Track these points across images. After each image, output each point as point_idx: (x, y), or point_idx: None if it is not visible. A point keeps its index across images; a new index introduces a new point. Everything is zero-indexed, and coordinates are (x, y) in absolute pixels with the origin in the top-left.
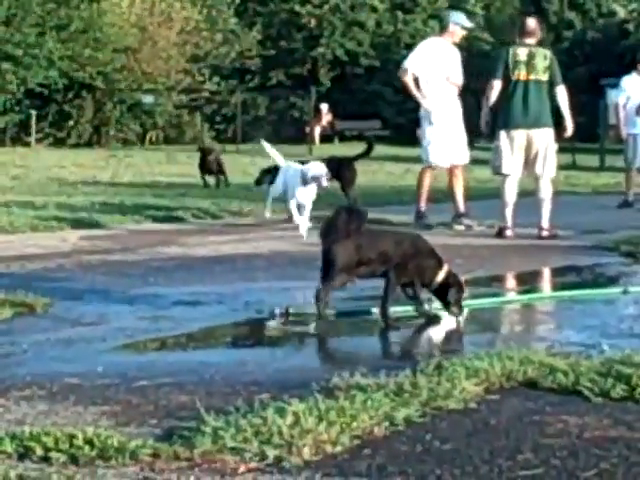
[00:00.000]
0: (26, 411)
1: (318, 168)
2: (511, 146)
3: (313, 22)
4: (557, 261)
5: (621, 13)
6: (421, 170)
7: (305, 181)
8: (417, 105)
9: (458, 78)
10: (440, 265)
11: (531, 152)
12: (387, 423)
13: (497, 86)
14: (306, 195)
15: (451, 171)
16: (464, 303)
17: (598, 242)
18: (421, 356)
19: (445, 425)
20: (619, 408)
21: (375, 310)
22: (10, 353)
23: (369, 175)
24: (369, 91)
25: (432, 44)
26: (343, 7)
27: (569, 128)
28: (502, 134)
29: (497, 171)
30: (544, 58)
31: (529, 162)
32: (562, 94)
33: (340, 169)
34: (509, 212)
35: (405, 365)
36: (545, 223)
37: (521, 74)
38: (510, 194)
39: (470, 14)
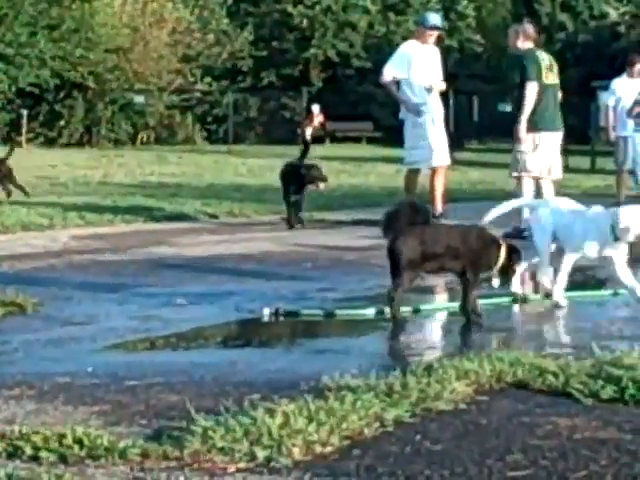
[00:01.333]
0: (15, 410)
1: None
2: (540, 148)
3: (305, 23)
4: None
5: (613, 15)
6: (406, 173)
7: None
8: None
9: (440, 81)
10: (499, 248)
11: (552, 154)
12: (377, 424)
13: (535, 89)
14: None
15: (433, 172)
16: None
17: None
18: (411, 357)
19: (435, 426)
20: (609, 409)
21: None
22: (0, 352)
23: (361, 176)
24: (361, 92)
25: (410, 47)
26: (335, 8)
27: None
28: (539, 136)
29: (525, 173)
30: (555, 62)
31: (547, 163)
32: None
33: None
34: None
35: (395, 366)
36: None
37: (549, 78)
38: (530, 194)
39: (462, 16)
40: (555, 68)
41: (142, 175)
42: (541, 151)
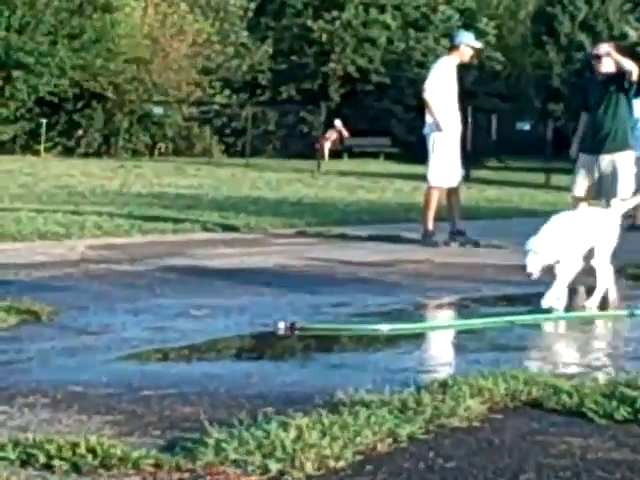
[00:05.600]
0: (29, 418)
1: None
2: None
3: (325, 38)
4: None
5: (633, 36)
6: (428, 190)
7: None
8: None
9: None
10: None
11: None
12: (390, 439)
13: None
14: None
15: (452, 189)
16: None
17: None
18: (426, 373)
19: (448, 443)
20: (623, 430)
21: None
22: (15, 360)
23: (377, 192)
24: (379, 108)
25: (447, 64)
26: (355, 23)
27: None
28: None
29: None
30: None
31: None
32: None
33: None
34: None
35: (410, 382)
36: None
37: None
38: None
39: (482, 33)
40: None
41: (159, 186)
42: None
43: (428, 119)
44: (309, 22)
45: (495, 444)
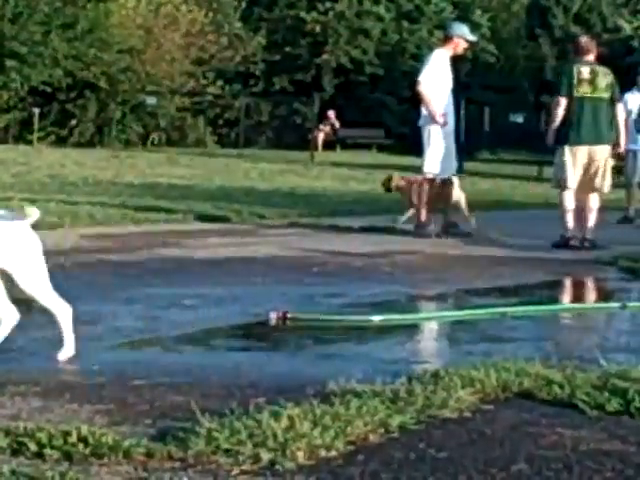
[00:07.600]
0: (21, 407)
1: None
2: (574, 161)
3: (318, 29)
4: (556, 274)
5: (627, 29)
6: (421, 180)
7: None
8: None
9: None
10: None
11: (592, 168)
12: (382, 430)
13: (563, 103)
14: None
15: (446, 181)
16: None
17: (597, 257)
18: (417, 364)
19: (440, 433)
20: (614, 422)
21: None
22: (6, 349)
23: (370, 183)
24: (373, 99)
25: (441, 56)
26: (349, 14)
27: (622, 145)
28: (567, 149)
29: (561, 184)
30: (605, 76)
31: (587, 177)
32: (620, 111)
33: None
34: (571, 221)
35: (401, 372)
36: (590, 234)
37: (586, 91)
38: (571, 205)
39: (476, 26)
40: (602, 82)
41: (152, 176)
42: (568, 164)
43: (423, 111)
44: (302, 13)
45: (486, 435)
